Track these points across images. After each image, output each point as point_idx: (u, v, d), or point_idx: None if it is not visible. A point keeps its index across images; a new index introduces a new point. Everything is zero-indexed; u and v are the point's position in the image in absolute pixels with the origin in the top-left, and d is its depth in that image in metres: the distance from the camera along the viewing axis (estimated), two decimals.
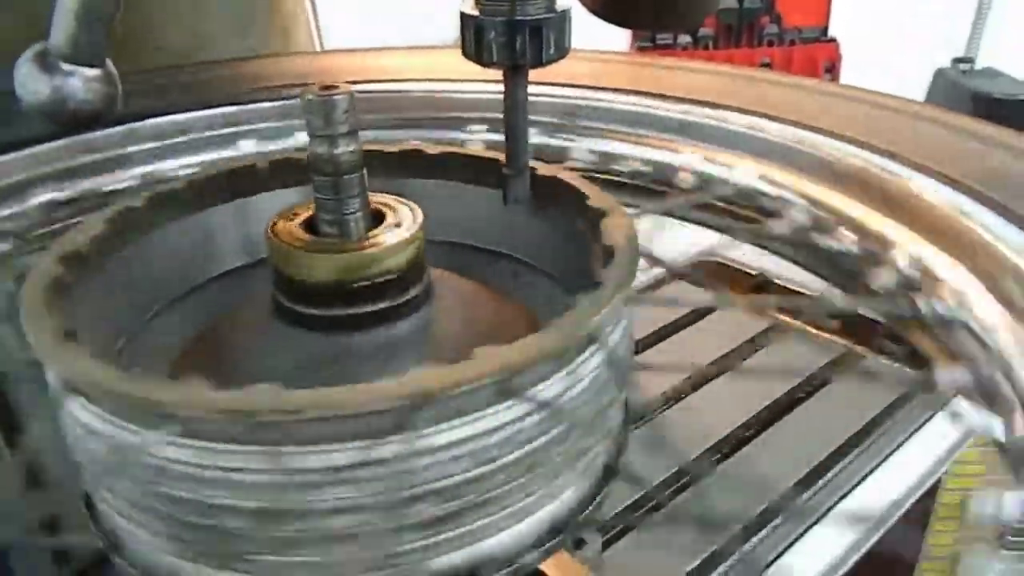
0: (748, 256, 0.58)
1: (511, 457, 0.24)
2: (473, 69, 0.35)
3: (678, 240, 0.59)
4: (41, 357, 0.25)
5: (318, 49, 1.07)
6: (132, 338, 0.33)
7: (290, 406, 0.21)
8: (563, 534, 0.27)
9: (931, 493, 0.42)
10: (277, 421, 0.22)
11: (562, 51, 0.34)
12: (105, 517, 0.27)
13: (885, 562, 0.40)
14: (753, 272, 0.58)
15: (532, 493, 0.26)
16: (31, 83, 0.39)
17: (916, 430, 0.44)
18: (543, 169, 0.36)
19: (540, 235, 0.37)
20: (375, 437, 0.22)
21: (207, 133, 0.66)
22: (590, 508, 0.28)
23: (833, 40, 2.38)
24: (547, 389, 0.25)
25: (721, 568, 0.36)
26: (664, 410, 0.47)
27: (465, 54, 0.34)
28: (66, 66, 0.40)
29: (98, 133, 0.62)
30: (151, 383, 0.22)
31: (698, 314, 0.57)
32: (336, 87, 0.29)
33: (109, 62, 0.43)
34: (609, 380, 0.27)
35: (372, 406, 0.22)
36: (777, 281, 0.56)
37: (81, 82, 0.40)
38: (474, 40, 0.33)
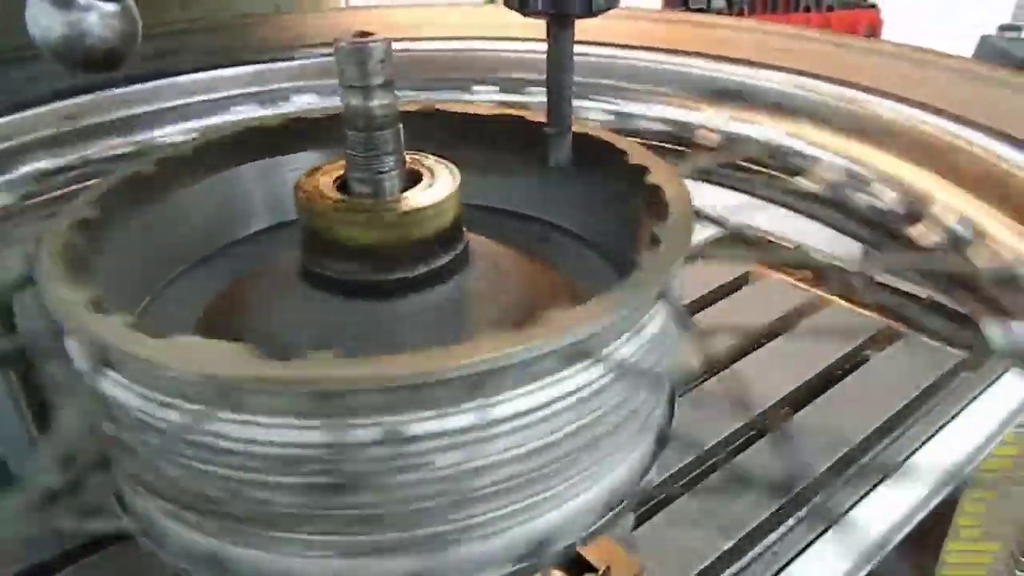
0: None
1: (582, 422, 0.23)
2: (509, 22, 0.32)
3: None
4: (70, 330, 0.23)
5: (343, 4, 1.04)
6: (155, 297, 0.32)
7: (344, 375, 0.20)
8: (625, 501, 0.26)
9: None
10: (338, 392, 0.20)
11: (612, 0, 0.31)
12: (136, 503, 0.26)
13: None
14: None
15: (599, 461, 0.25)
16: (43, 18, 0.36)
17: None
18: (588, 131, 0.34)
19: (581, 199, 0.35)
20: (447, 407, 0.21)
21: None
22: (646, 476, 0.27)
23: (874, 6, 2.30)
24: (620, 349, 0.23)
25: (765, 542, 0.36)
26: (706, 379, 0.46)
27: (507, 3, 0.32)
28: (82, 0, 0.37)
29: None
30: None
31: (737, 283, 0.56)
32: (371, 35, 0.27)
33: None
34: (673, 337, 0.26)
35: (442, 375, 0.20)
36: None
37: (98, 17, 0.37)
38: None
